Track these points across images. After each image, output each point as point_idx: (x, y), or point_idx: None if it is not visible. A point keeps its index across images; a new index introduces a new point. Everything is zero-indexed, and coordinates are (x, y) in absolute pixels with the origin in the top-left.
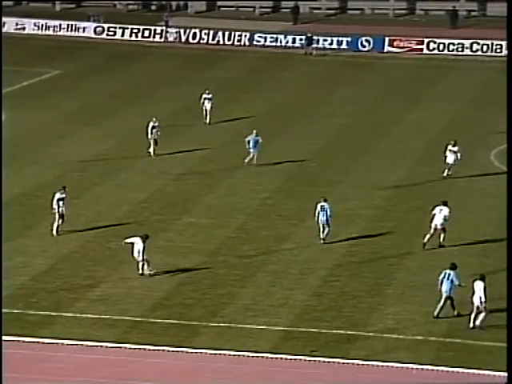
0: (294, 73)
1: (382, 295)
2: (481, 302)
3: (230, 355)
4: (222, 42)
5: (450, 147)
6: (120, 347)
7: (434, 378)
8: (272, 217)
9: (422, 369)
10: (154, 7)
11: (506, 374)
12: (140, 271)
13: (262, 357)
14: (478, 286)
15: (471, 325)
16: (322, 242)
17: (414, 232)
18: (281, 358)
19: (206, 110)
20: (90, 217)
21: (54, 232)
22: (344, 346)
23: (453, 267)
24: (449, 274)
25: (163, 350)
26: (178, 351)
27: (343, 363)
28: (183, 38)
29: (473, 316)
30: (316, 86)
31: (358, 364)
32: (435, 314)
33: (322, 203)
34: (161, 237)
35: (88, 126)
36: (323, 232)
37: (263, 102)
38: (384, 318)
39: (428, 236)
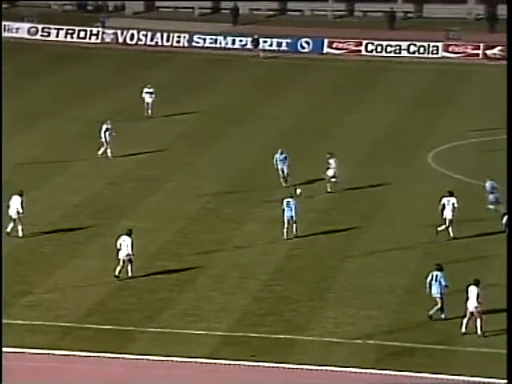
0: (235, 75)
1: (322, 299)
2: (475, 307)
3: (167, 361)
4: (160, 44)
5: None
6: (53, 354)
7: (374, 381)
8: (212, 220)
9: (362, 372)
10: (90, 8)
11: (447, 377)
12: (129, 273)
13: (201, 362)
14: (472, 291)
15: (463, 330)
16: (286, 238)
17: (354, 235)
18: (219, 363)
19: (147, 104)
20: (24, 221)
21: None
22: (284, 351)
23: (439, 268)
24: (436, 276)
25: (98, 357)
26: (113, 357)
27: (283, 368)
28: (120, 40)
29: (465, 321)
30: (257, 88)
31: (297, 368)
32: (431, 315)
33: (288, 199)
34: (97, 241)
35: (24, 129)
36: (287, 229)
37: (204, 105)
38: (324, 321)
39: (442, 227)
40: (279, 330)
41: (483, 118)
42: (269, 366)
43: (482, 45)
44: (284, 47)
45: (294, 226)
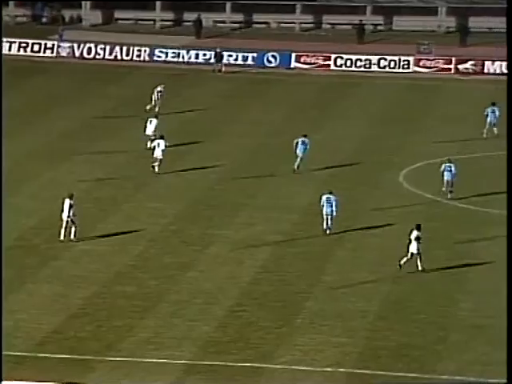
0: (199, 90)
1: (291, 325)
2: (416, 249)
3: None
4: (119, 58)
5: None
6: None
7: None
8: (174, 243)
9: None
10: (44, 20)
11: None
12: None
13: None
14: (413, 234)
15: (401, 263)
16: (327, 232)
17: (323, 258)
18: None
19: (155, 101)
20: None
21: None
22: (251, 379)
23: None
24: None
25: None
26: None
27: None
28: (77, 53)
29: (405, 259)
30: (220, 104)
31: None
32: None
33: (328, 195)
34: (52, 265)
35: None
36: (327, 224)
37: (167, 121)
38: (292, 349)
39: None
40: (246, 358)
41: (456, 134)
42: None
43: (453, 59)
44: (250, 61)
45: (330, 222)
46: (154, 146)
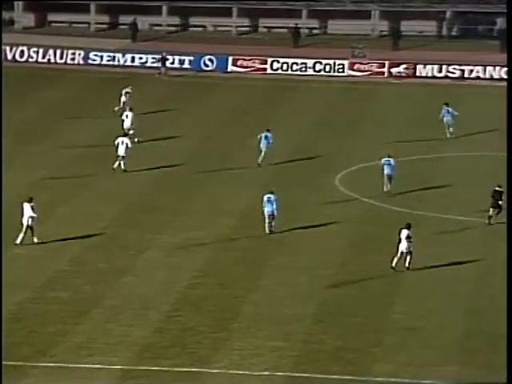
0: (136, 94)
1: (228, 330)
2: (406, 248)
3: None
4: (53, 61)
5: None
6: None
7: None
8: (110, 248)
9: None
10: None
11: None
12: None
13: None
14: (403, 233)
15: (393, 265)
16: (270, 233)
17: (261, 262)
18: None
19: (123, 103)
20: None
21: None
22: None
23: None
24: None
25: None
26: None
27: None
28: (9, 56)
29: (396, 260)
30: (157, 108)
31: None
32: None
33: (269, 195)
34: None
35: None
36: (270, 224)
37: (101, 126)
38: (230, 353)
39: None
40: (183, 363)
41: (391, 137)
42: None
43: (387, 63)
44: (186, 65)
45: (273, 222)
46: (118, 144)
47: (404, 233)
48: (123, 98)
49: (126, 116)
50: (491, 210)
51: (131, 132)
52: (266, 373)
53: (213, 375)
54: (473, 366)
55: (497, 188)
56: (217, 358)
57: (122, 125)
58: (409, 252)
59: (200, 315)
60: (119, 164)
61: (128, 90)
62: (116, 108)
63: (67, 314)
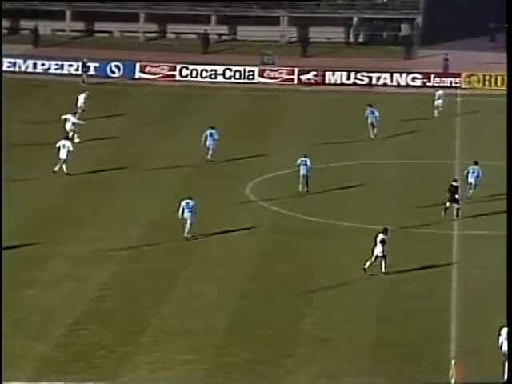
0: (37, 102)
1: (136, 343)
2: (380, 252)
3: None
4: None
5: None
6: None
7: None
8: (12, 259)
9: None
10: None
11: None
12: None
13: None
14: (379, 237)
15: (366, 266)
16: (187, 238)
17: (170, 273)
18: None
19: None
20: None
21: None
22: None
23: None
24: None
25: None
26: None
27: None
28: None
29: (369, 262)
30: (60, 116)
31: None
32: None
33: (187, 200)
34: None
35: None
36: (188, 230)
37: (9, 132)
38: (138, 367)
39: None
40: (87, 378)
41: (302, 146)
42: None
43: (296, 70)
44: (92, 72)
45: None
46: (59, 147)
47: (379, 237)
48: (80, 104)
49: (66, 120)
50: (448, 203)
51: (71, 135)
52: None
53: None
54: (383, 376)
55: (453, 183)
56: (124, 372)
57: (64, 127)
58: (383, 256)
59: (106, 329)
60: (61, 167)
61: (85, 95)
62: (76, 114)
63: None
